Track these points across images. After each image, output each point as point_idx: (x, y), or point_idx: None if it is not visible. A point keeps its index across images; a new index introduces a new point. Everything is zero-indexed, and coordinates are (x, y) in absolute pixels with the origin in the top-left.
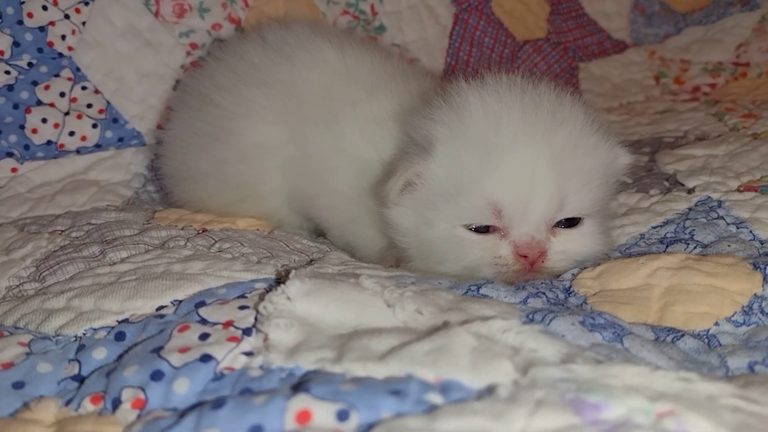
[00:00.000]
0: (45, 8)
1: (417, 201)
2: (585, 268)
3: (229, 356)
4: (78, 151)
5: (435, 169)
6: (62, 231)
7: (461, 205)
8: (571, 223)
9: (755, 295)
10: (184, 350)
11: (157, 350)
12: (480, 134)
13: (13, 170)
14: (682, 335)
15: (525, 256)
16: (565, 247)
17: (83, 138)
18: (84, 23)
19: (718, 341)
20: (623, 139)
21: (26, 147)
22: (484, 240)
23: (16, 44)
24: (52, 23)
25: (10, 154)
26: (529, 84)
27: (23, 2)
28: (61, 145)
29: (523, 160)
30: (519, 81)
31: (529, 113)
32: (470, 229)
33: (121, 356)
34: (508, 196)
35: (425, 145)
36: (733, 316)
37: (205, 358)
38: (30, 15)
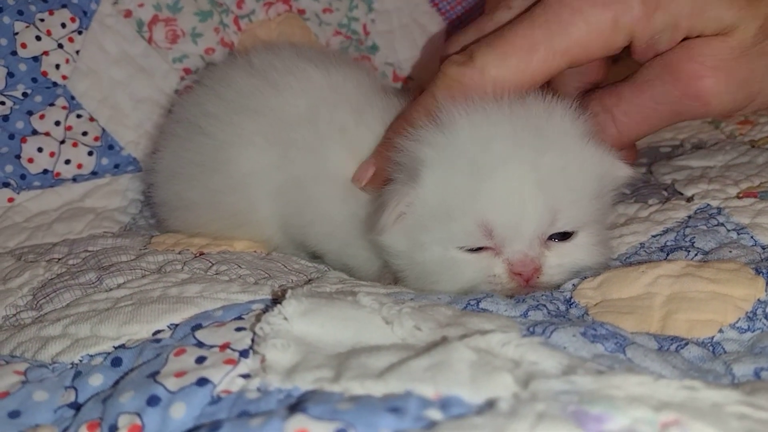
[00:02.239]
0: (38, 38)
1: (408, 226)
2: (585, 278)
3: (226, 379)
4: (74, 179)
5: (424, 192)
6: (59, 259)
7: (452, 228)
8: (565, 236)
9: (759, 300)
10: (180, 374)
11: (153, 375)
12: (467, 155)
13: (10, 200)
14: (686, 344)
15: (520, 274)
16: (561, 261)
17: (79, 166)
18: (78, 52)
19: (723, 348)
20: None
21: (23, 176)
22: (478, 260)
23: (10, 75)
24: (45, 53)
25: (6, 184)
26: (516, 100)
27: (17, 33)
28: (58, 174)
29: (512, 180)
30: (506, 97)
31: (517, 131)
32: (463, 250)
33: (117, 382)
34: (498, 217)
35: (413, 169)
36: (737, 322)
37: (202, 382)
38: (24, 45)
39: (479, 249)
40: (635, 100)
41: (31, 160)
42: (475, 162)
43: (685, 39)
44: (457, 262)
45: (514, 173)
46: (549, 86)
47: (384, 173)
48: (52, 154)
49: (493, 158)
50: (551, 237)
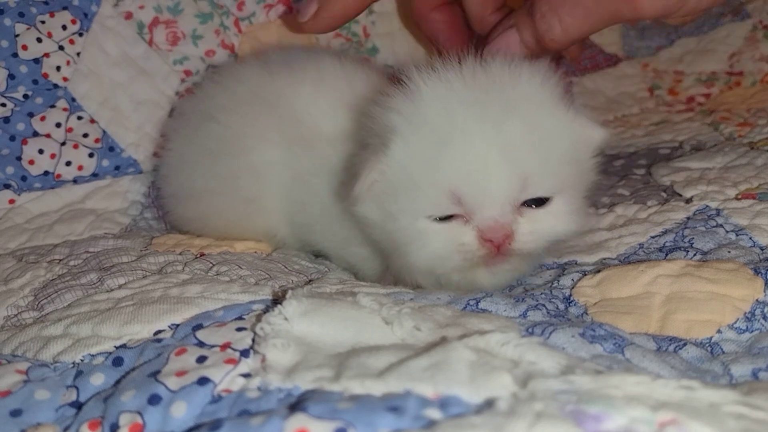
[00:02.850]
0: (39, 40)
1: (379, 196)
2: (585, 275)
3: (227, 378)
4: (75, 181)
5: (393, 161)
6: (60, 260)
7: (420, 197)
8: (540, 202)
9: (757, 300)
10: (181, 374)
11: (155, 374)
12: (432, 123)
13: (11, 202)
14: (684, 344)
15: (490, 241)
16: (533, 228)
17: (80, 167)
18: (78, 54)
19: (721, 349)
20: (619, 151)
21: (23, 178)
22: (447, 229)
23: (11, 77)
24: (46, 55)
25: (7, 186)
26: (481, 66)
27: (18, 35)
28: (58, 176)
29: (475, 147)
30: (471, 64)
31: (480, 96)
32: (432, 220)
33: (118, 381)
34: (464, 185)
35: (383, 137)
36: (735, 323)
37: (203, 381)
38: (24, 47)
39: (449, 218)
40: (579, 0)
41: (31, 162)
42: (438, 129)
43: None
44: (427, 232)
45: (478, 139)
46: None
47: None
48: (52, 156)
49: (455, 125)
50: (526, 203)
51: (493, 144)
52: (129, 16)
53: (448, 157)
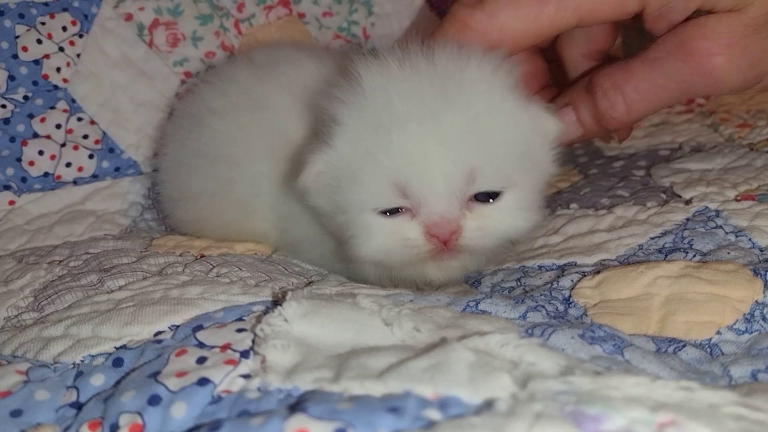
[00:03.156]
0: (39, 41)
1: (327, 187)
2: (584, 276)
3: (227, 379)
4: (75, 182)
5: (337, 152)
6: (60, 261)
7: (364, 189)
8: (489, 196)
9: (756, 302)
10: (181, 374)
11: (155, 375)
12: (372, 112)
13: (11, 203)
14: (684, 345)
15: (436, 236)
16: (482, 224)
17: (80, 169)
18: (78, 55)
19: (720, 350)
20: (619, 152)
21: (23, 179)
22: (393, 223)
23: (11, 78)
24: (46, 56)
25: (7, 187)
26: (426, 54)
27: (18, 36)
28: (58, 177)
29: (412, 138)
30: (415, 52)
31: (422, 85)
32: (379, 213)
33: (118, 382)
34: (406, 176)
35: (329, 127)
36: (734, 324)
37: (203, 382)
38: (25, 49)
39: (396, 212)
40: (646, 76)
41: (32, 163)
42: (378, 119)
43: (697, 13)
44: (373, 226)
45: (414, 129)
46: (555, 49)
47: None
48: (52, 157)
49: (394, 115)
50: (476, 198)
51: (431, 134)
52: (129, 17)
53: (387, 148)
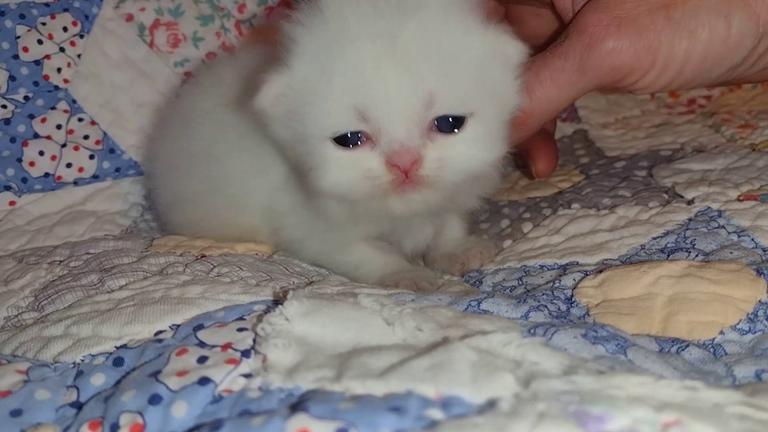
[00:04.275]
0: (40, 42)
1: (287, 114)
2: (587, 275)
3: (228, 378)
4: (75, 183)
5: (296, 74)
6: (61, 261)
7: (323, 113)
8: (453, 127)
9: (760, 301)
10: (181, 374)
11: (155, 374)
12: (328, 33)
13: (11, 203)
14: (687, 345)
15: (397, 166)
16: (443, 154)
17: (80, 169)
18: (79, 56)
19: (724, 350)
20: (620, 153)
21: (24, 180)
22: (353, 155)
23: (12, 78)
24: (47, 56)
25: (8, 188)
26: None
27: (18, 36)
28: (59, 177)
29: (367, 57)
30: None
31: (377, 5)
32: (339, 144)
33: (119, 381)
34: (364, 98)
35: (288, 51)
36: (738, 324)
37: (204, 381)
38: (25, 49)
39: (356, 144)
40: (551, 64)
41: (32, 164)
42: (334, 40)
43: None
44: (333, 157)
45: (368, 49)
46: None
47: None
48: (53, 158)
49: (349, 34)
50: (439, 129)
51: (387, 54)
52: (130, 18)
53: (344, 69)
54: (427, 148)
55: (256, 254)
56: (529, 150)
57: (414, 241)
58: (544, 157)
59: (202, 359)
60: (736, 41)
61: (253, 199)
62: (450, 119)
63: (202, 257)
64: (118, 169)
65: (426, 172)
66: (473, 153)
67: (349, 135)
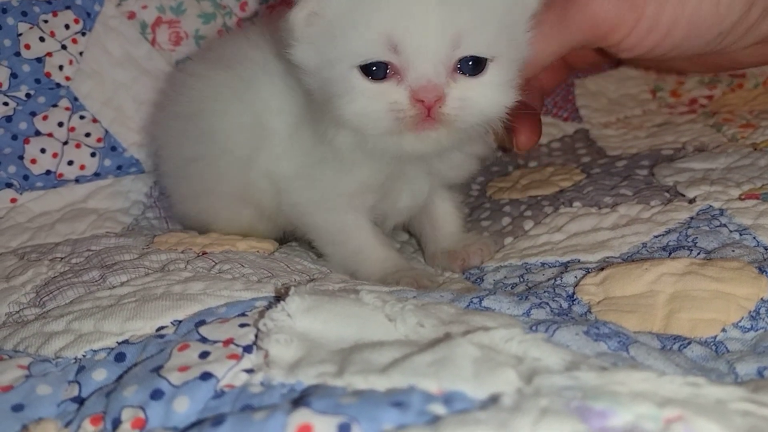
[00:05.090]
0: (42, 39)
1: (317, 37)
2: (588, 272)
3: (230, 374)
4: (77, 180)
5: None
6: (62, 258)
7: (355, 40)
8: (475, 70)
9: (762, 299)
10: (183, 369)
11: (157, 369)
12: None
13: (13, 201)
14: (689, 343)
15: (422, 101)
16: (465, 94)
17: (82, 167)
18: (81, 53)
19: (726, 348)
20: (621, 152)
21: (25, 177)
22: (380, 87)
23: (14, 76)
24: (49, 54)
25: (9, 185)
26: None
27: (20, 34)
28: (60, 175)
29: None
30: None
31: None
32: (367, 75)
33: (120, 377)
34: (399, 29)
35: None
36: (740, 321)
37: (205, 376)
38: (27, 47)
39: (383, 77)
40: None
41: (34, 161)
42: None
43: None
44: (360, 88)
45: None
46: None
47: None
48: (55, 155)
49: None
50: (461, 70)
51: None
52: (132, 15)
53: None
54: (450, 88)
55: (258, 252)
56: (512, 123)
57: (408, 198)
58: (527, 131)
59: (203, 354)
60: (726, 6)
61: (258, 162)
62: (472, 62)
63: (203, 254)
64: (119, 167)
65: (447, 111)
66: (492, 95)
67: (376, 66)
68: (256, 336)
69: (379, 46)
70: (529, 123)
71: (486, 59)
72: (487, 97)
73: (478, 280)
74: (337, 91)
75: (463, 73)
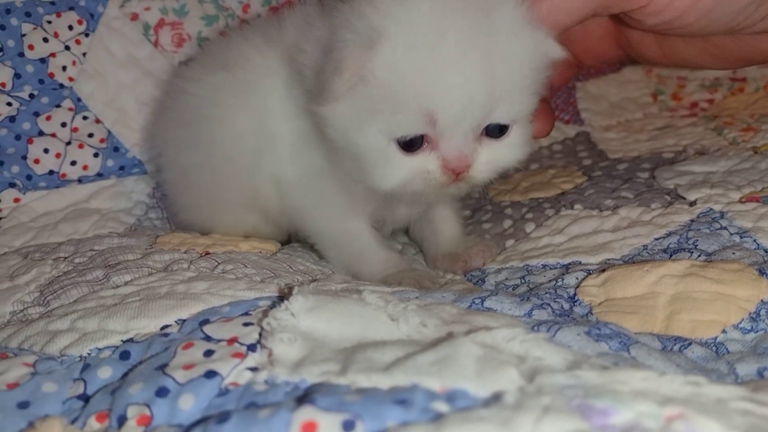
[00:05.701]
0: (46, 40)
1: (355, 100)
2: (590, 274)
3: (234, 372)
4: (80, 180)
5: (377, 66)
6: (66, 257)
7: (397, 114)
8: (499, 133)
9: (762, 300)
10: (188, 367)
11: (162, 367)
12: (424, 38)
13: (16, 200)
14: (690, 344)
15: (452, 169)
16: (490, 158)
17: (85, 167)
18: (84, 54)
19: (726, 349)
20: (622, 155)
21: (28, 177)
22: (415, 159)
23: (17, 76)
24: (52, 55)
25: (12, 185)
26: None
27: (24, 35)
28: (63, 175)
29: (465, 71)
30: None
31: (470, 17)
32: (400, 146)
33: (125, 375)
34: (440, 105)
35: (368, 38)
36: (740, 323)
37: (210, 374)
38: (31, 47)
39: (418, 147)
40: None
41: (37, 161)
42: (430, 47)
43: None
44: (396, 161)
45: (468, 64)
46: None
47: None
48: (58, 155)
49: (448, 47)
50: (487, 134)
51: (480, 69)
52: (135, 17)
53: (435, 77)
54: (477, 153)
55: (260, 252)
56: None
57: (407, 207)
58: (541, 119)
59: (208, 353)
60: None
61: (262, 168)
62: (499, 126)
63: (206, 254)
64: (122, 167)
65: (474, 174)
66: (514, 154)
67: (413, 139)
68: (260, 335)
69: (420, 122)
70: (543, 111)
71: (510, 123)
72: (509, 157)
73: (480, 281)
74: (371, 160)
75: (488, 135)
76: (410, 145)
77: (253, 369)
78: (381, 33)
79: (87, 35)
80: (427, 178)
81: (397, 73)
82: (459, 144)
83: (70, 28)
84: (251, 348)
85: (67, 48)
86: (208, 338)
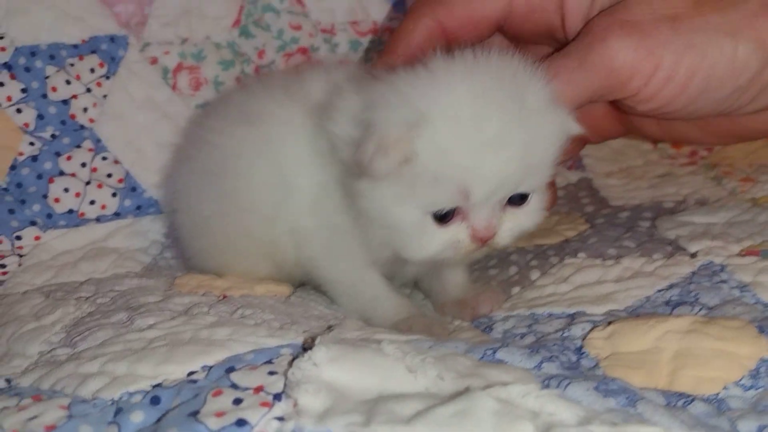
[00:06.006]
0: (68, 82)
1: (395, 178)
2: (595, 326)
3: (263, 421)
4: (98, 219)
5: (420, 147)
6: (88, 297)
7: (436, 190)
8: (521, 201)
9: (761, 359)
10: (220, 414)
11: (194, 414)
12: (466, 120)
13: (36, 238)
14: (693, 400)
15: (480, 239)
16: (513, 225)
17: (103, 206)
18: (105, 96)
19: (728, 405)
20: (624, 203)
21: (49, 216)
22: (447, 230)
23: (40, 117)
24: (74, 96)
25: (33, 223)
26: (502, 65)
27: (48, 77)
28: (82, 214)
29: (503, 152)
30: (493, 62)
31: (507, 98)
32: (435, 218)
33: (159, 420)
34: (476, 182)
35: (412, 121)
36: (741, 380)
37: (241, 423)
38: (54, 89)
39: (450, 218)
40: (554, 60)
41: (57, 200)
42: (473, 130)
43: None
44: (431, 233)
45: (506, 146)
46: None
47: None
48: (77, 195)
49: (488, 130)
50: (510, 202)
51: (516, 152)
52: (154, 61)
53: (476, 159)
54: (501, 221)
55: (275, 296)
56: None
57: (417, 269)
58: (547, 189)
59: (237, 401)
60: (742, 62)
61: (281, 220)
62: (520, 195)
63: (224, 298)
64: (139, 207)
65: (498, 240)
66: (533, 219)
67: (447, 212)
68: (285, 384)
69: (456, 197)
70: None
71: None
72: (529, 222)
73: (488, 329)
74: (408, 231)
75: (510, 203)
76: (444, 217)
77: (280, 418)
78: (424, 115)
79: (108, 78)
80: (457, 246)
81: (440, 154)
82: (488, 215)
83: (92, 70)
84: (277, 397)
85: (89, 90)
86: (235, 386)
